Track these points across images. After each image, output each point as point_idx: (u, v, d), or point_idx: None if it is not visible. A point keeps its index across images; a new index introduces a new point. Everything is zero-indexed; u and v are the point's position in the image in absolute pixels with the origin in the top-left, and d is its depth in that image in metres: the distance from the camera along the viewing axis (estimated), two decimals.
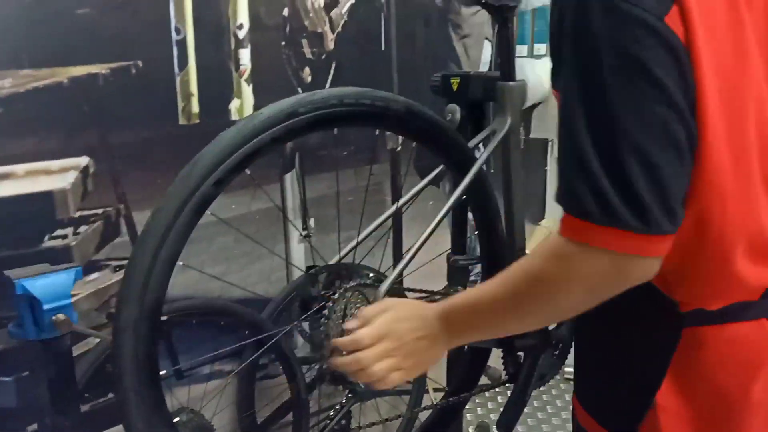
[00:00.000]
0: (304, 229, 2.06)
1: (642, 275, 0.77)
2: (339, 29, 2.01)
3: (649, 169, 0.71)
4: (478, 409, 2.63)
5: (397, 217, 2.17)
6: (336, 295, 1.11)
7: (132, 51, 1.56)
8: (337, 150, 2.07)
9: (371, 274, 1.20)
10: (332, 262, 1.23)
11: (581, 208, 0.74)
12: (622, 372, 0.90)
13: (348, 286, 1.11)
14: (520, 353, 1.37)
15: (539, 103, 1.34)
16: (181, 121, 1.70)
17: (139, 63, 1.57)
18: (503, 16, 1.25)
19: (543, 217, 2.91)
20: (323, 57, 1.99)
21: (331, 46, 2.00)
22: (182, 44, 1.66)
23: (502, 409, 1.40)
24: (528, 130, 1.38)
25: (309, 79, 1.96)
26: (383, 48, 2.15)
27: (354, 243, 1.27)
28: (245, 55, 1.78)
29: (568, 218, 0.77)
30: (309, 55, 1.95)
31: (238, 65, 1.78)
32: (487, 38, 2.47)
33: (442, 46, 2.33)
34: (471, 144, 1.30)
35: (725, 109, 0.74)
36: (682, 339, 0.84)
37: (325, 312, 1.10)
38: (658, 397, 0.86)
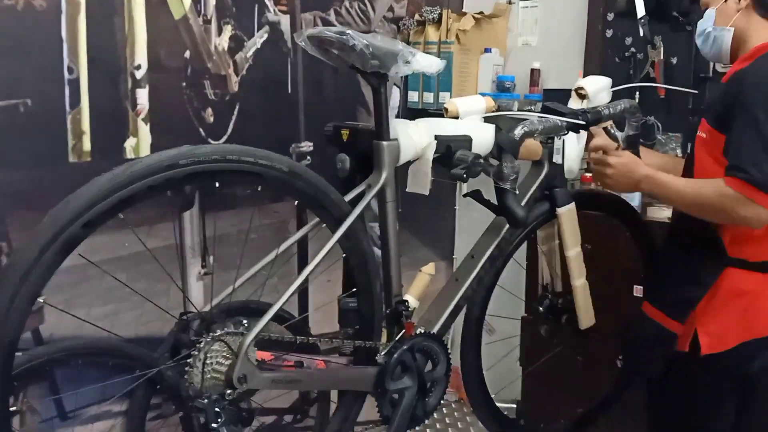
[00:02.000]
0: (203, 266, 2.07)
1: (762, 223, 1.41)
2: (244, 72, 2.05)
3: None
4: None
5: (302, 254, 2.22)
6: (202, 344, 1.13)
7: (20, 89, 1.56)
8: (239, 188, 2.10)
9: (245, 321, 1.22)
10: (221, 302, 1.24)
11: (753, 178, 1.35)
12: (684, 282, 1.56)
13: (214, 335, 1.14)
14: (395, 396, 1.42)
15: (415, 160, 1.41)
16: (72, 158, 1.70)
17: (28, 101, 1.57)
18: (376, 82, 1.32)
19: (452, 253, 3.02)
20: (227, 98, 2.02)
21: (235, 88, 2.03)
22: (75, 83, 1.67)
23: None
24: (404, 185, 1.46)
25: (211, 119, 1.99)
26: (290, 92, 2.20)
27: (230, 289, 1.30)
28: (143, 95, 1.80)
29: (738, 181, 1.37)
30: (212, 96, 1.98)
31: (135, 105, 1.80)
32: (395, 84, 2.56)
33: (350, 91, 2.39)
34: (347, 198, 1.35)
35: None
36: (723, 272, 1.51)
37: (190, 360, 1.13)
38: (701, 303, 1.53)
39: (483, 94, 2.60)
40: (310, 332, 2.07)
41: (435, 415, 2.85)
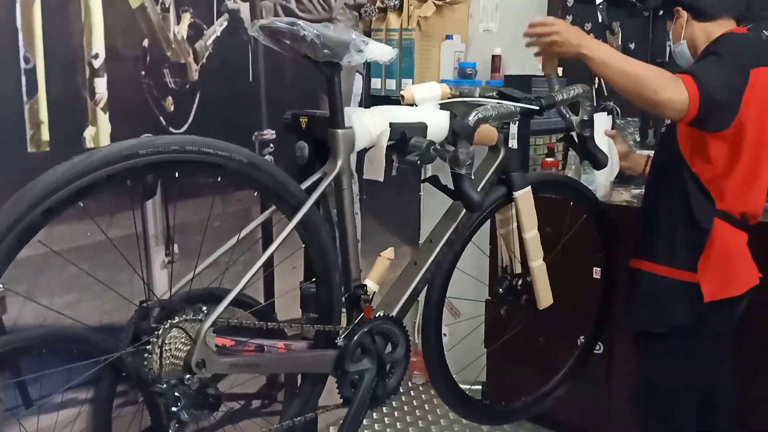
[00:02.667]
0: (167, 255, 2.08)
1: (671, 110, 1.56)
2: (204, 61, 2.05)
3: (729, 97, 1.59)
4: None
5: (266, 242, 2.23)
6: (160, 331, 1.15)
7: None
8: (202, 177, 2.10)
9: (204, 308, 1.24)
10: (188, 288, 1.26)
11: (698, 77, 1.55)
12: (687, 232, 1.72)
13: (172, 321, 1.16)
14: (355, 377, 1.45)
15: (370, 148, 1.44)
16: (30, 148, 1.69)
17: None
18: (329, 71, 1.34)
19: (419, 239, 3.06)
20: (187, 87, 2.02)
21: (195, 76, 2.03)
22: (31, 73, 1.66)
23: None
24: (361, 171, 1.48)
25: (172, 108, 1.99)
26: (251, 80, 2.20)
27: (190, 276, 1.32)
28: (101, 84, 1.80)
29: (687, 75, 1.56)
30: (172, 85, 1.98)
31: (93, 94, 1.79)
32: (358, 71, 2.57)
33: (312, 78, 2.39)
34: (303, 186, 1.37)
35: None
36: (714, 222, 1.69)
37: (149, 347, 1.15)
38: (705, 250, 1.69)
39: (445, 81, 2.64)
40: (276, 318, 2.10)
41: (403, 397, 2.94)
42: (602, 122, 2.29)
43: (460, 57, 2.62)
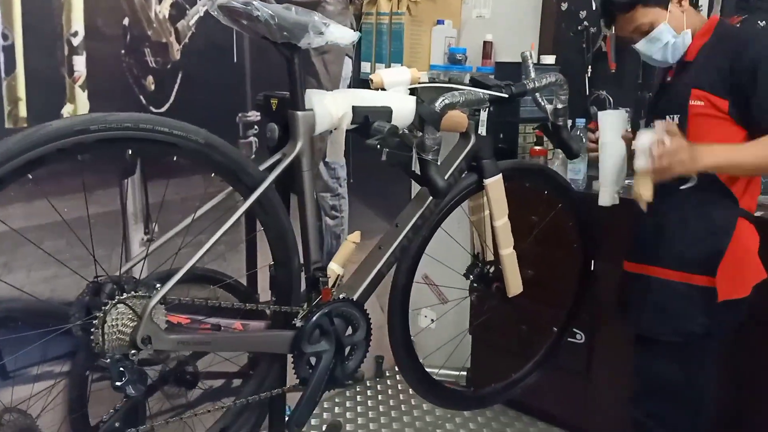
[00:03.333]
0: (146, 233, 2.11)
1: None
2: (186, 41, 2.06)
3: None
4: (336, 408, 2.74)
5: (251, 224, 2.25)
6: (107, 306, 1.18)
7: None
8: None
9: (158, 285, 1.26)
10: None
11: None
12: (705, 236, 1.67)
13: (120, 297, 1.18)
14: (312, 358, 1.47)
15: (334, 130, 1.44)
16: (8, 124, 1.72)
17: None
18: (288, 53, 1.34)
19: None
20: (169, 67, 2.03)
21: (177, 56, 2.04)
22: (10, 49, 1.68)
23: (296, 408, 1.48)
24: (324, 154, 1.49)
25: (152, 87, 2.00)
26: (235, 61, 2.21)
27: (144, 254, 1.34)
28: (80, 62, 1.81)
29: None
30: (152, 64, 1.99)
31: (72, 71, 1.81)
32: (347, 54, 2.56)
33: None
34: (262, 167, 1.38)
35: None
36: (737, 221, 1.66)
37: (95, 321, 1.17)
38: (726, 252, 1.65)
39: (434, 67, 2.62)
40: (258, 298, 2.12)
41: (388, 381, 2.96)
42: (620, 121, 1.88)
43: (452, 42, 2.60)
